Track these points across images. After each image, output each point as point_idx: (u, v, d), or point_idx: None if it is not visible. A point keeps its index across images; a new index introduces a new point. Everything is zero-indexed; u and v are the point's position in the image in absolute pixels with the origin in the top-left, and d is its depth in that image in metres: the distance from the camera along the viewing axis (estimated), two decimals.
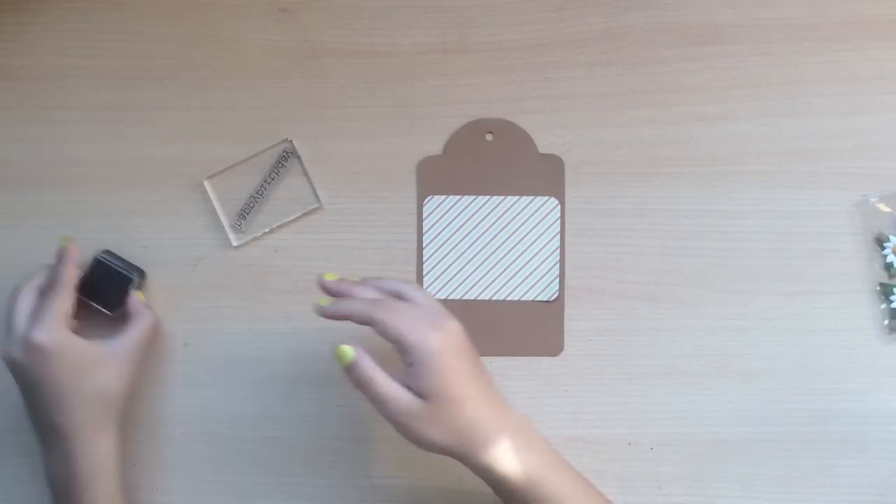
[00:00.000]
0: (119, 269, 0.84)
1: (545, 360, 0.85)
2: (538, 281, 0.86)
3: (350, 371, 0.73)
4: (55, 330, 0.79)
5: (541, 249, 0.86)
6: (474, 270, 0.86)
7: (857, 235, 0.85)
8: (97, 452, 0.79)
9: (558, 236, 0.86)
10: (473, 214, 0.86)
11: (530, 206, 0.86)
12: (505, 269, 0.86)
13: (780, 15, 0.86)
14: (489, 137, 0.87)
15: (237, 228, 0.87)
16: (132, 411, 0.86)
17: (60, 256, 0.83)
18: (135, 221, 0.87)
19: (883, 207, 0.84)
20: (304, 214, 0.87)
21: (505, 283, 0.86)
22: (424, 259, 0.86)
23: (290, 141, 0.87)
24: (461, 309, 0.85)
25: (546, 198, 0.86)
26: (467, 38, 0.87)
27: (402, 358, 0.73)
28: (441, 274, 0.86)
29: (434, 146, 0.87)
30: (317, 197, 0.87)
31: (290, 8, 0.88)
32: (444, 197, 0.87)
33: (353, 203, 0.87)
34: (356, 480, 0.85)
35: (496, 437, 0.74)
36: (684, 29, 0.86)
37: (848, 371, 0.84)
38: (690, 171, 0.86)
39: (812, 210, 0.85)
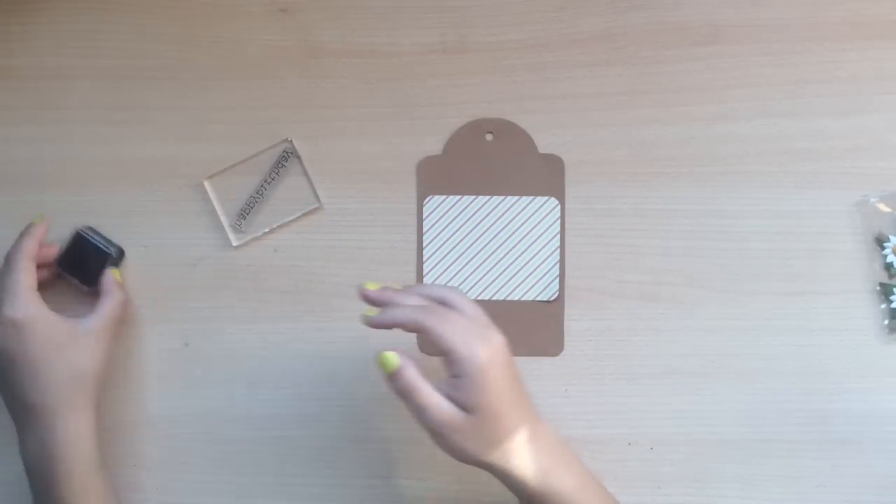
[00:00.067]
0: (98, 245, 0.85)
1: (545, 360, 0.85)
2: (538, 281, 0.86)
3: (393, 379, 0.72)
4: (25, 303, 0.79)
5: (541, 249, 0.86)
6: (474, 270, 0.86)
7: (857, 235, 0.85)
8: (72, 430, 0.79)
9: (558, 236, 0.86)
10: (473, 214, 0.86)
11: (530, 206, 0.86)
12: (505, 269, 0.86)
13: (780, 15, 0.86)
14: (489, 137, 0.87)
15: (237, 228, 0.87)
16: (133, 411, 0.86)
17: (24, 231, 0.83)
18: (135, 221, 0.87)
19: (883, 207, 0.84)
20: (304, 214, 0.87)
21: (505, 283, 0.86)
22: (424, 259, 0.86)
23: (290, 141, 0.87)
24: None
25: (546, 198, 0.86)
26: (467, 38, 0.87)
27: (449, 368, 0.72)
28: (441, 274, 0.86)
29: (434, 146, 0.87)
30: (317, 197, 0.87)
31: (290, 8, 0.88)
32: (444, 197, 0.87)
33: (353, 203, 0.87)
34: (356, 480, 0.85)
35: (534, 454, 0.73)
36: (684, 29, 0.86)
37: (848, 371, 0.84)
38: (690, 171, 0.86)
39: (812, 210, 0.85)
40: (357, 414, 0.86)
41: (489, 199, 0.86)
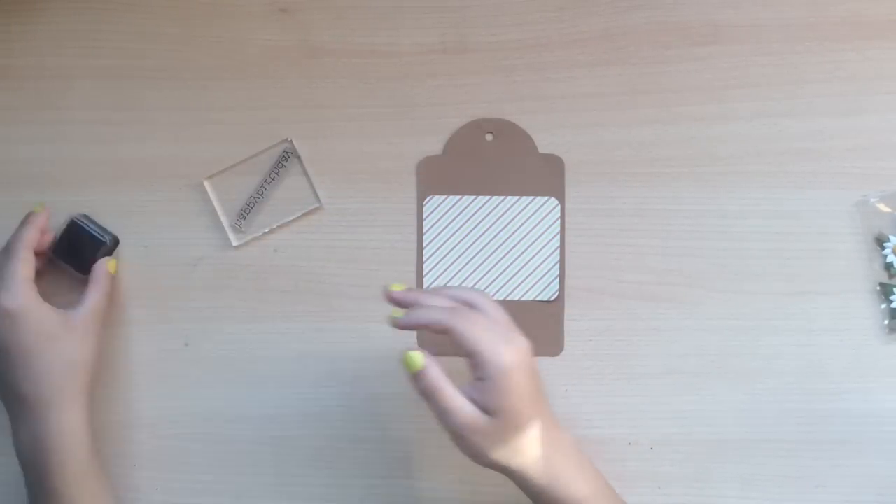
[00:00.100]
0: (93, 232, 0.85)
1: (545, 360, 0.85)
2: (538, 281, 0.86)
3: (417, 378, 0.72)
4: (20, 294, 0.79)
5: (541, 249, 0.86)
6: (474, 270, 0.86)
7: (857, 235, 0.85)
8: (64, 421, 0.79)
9: (558, 236, 0.86)
10: (473, 214, 0.86)
11: (530, 206, 0.86)
12: (505, 269, 0.86)
13: (780, 15, 0.86)
14: (489, 137, 0.87)
15: (237, 228, 0.87)
16: (132, 411, 0.86)
17: (25, 220, 0.83)
18: (135, 221, 0.87)
19: (883, 207, 0.84)
20: (304, 214, 0.87)
21: (505, 283, 0.86)
22: (424, 259, 0.86)
23: (290, 141, 0.87)
24: None
25: (546, 198, 0.86)
26: (467, 38, 0.87)
27: (473, 370, 0.72)
28: (441, 274, 0.86)
29: (434, 146, 0.87)
30: (317, 197, 0.87)
31: (290, 8, 0.88)
32: (444, 197, 0.87)
33: (353, 203, 0.87)
34: (356, 480, 0.85)
35: (552, 459, 0.74)
36: (684, 29, 0.86)
37: (848, 371, 0.84)
38: (690, 171, 0.86)
39: (812, 210, 0.85)
40: (357, 414, 0.86)
41: (489, 199, 0.86)
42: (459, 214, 0.86)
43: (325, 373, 0.86)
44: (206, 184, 0.87)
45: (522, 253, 0.86)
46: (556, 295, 0.86)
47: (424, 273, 0.86)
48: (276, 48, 0.88)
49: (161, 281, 0.87)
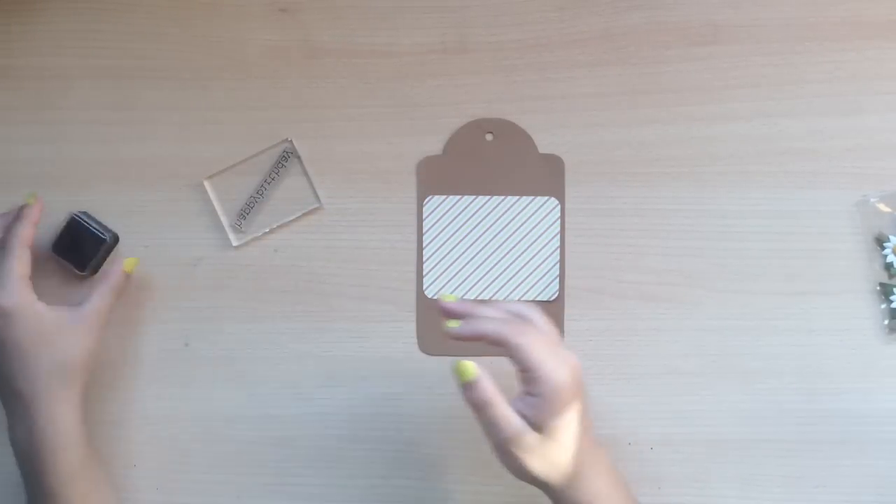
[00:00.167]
0: (93, 229, 0.85)
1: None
2: (538, 281, 0.86)
3: (469, 389, 0.71)
4: (16, 292, 0.79)
5: (541, 249, 0.86)
6: (474, 270, 0.86)
7: (857, 235, 0.85)
8: (58, 420, 0.79)
9: (558, 236, 0.86)
10: (473, 214, 0.86)
11: (530, 206, 0.86)
12: (505, 269, 0.86)
13: (780, 15, 0.86)
14: (489, 137, 0.87)
15: (237, 228, 0.87)
16: (132, 411, 0.86)
17: (20, 214, 0.82)
18: (135, 221, 0.87)
19: (883, 207, 0.84)
20: (304, 214, 0.87)
21: (505, 283, 0.86)
22: (424, 259, 0.86)
23: (290, 141, 0.87)
24: None
25: (546, 198, 0.86)
26: (467, 38, 0.87)
27: (525, 384, 0.72)
28: (441, 274, 0.86)
29: (434, 146, 0.87)
30: (317, 197, 0.87)
31: (290, 8, 0.88)
32: (444, 197, 0.87)
33: (353, 203, 0.87)
34: (356, 480, 0.85)
35: (591, 480, 0.73)
36: (684, 29, 0.86)
37: (848, 371, 0.84)
38: (690, 171, 0.86)
39: (812, 210, 0.85)
40: (357, 414, 0.86)
41: (489, 199, 0.86)
42: (459, 214, 0.86)
43: (325, 373, 0.86)
44: (206, 184, 0.87)
45: (522, 253, 0.86)
46: (556, 295, 0.86)
47: (424, 273, 0.86)
48: (276, 48, 0.88)
49: (161, 281, 0.87)
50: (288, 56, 0.87)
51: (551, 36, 0.87)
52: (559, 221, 0.86)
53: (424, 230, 0.86)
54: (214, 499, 0.86)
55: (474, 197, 0.87)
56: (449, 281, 0.86)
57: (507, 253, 0.86)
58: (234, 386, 0.86)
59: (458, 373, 0.71)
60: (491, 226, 0.86)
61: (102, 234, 0.85)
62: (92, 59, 0.88)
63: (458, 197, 0.87)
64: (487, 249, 0.86)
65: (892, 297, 0.84)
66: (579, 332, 0.85)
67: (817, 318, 0.84)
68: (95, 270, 0.86)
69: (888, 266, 0.84)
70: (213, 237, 0.87)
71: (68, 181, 0.87)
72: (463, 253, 0.86)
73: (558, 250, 0.86)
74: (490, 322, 0.73)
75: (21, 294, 0.79)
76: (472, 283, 0.86)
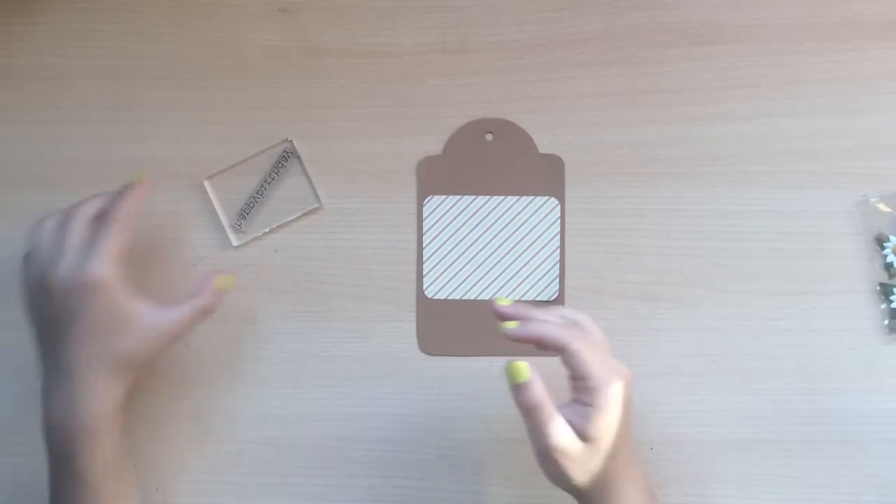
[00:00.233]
0: None
1: (545, 360, 0.85)
2: (538, 281, 0.86)
3: (520, 390, 0.71)
4: (108, 266, 0.76)
5: (541, 249, 0.86)
6: (474, 270, 0.86)
7: (857, 235, 0.85)
8: (101, 406, 0.76)
9: (558, 236, 0.86)
10: (473, 214, 0.86)
11: (530, 206, 0.86)
12: (505, 269, 0.86)
13: (780, 15, 0.86)
14: (489, 137, 0.87)
15: (237, 228, 0.87)
16: (132, 411, 0.86)
17: (126, 190, 0.79)
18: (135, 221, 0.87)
19: (883, 207, 0.84)
20: (304, 214, 0.87)
21: (505, 283, 0.86)
22: (424, 259, 0.86)
23: (290, 141, 0.87)
24: (461, 309, 0.85)
25: (546, 198, 0.86)
26: (467, 38, 0.87)
27: (578, 393, 0.71)
28: (441, 274, 0.86)
29: (434, 146, 0.87)
30: (317, 197, 0.87)
31: (290, 8, 0.88)
32: (444, 197, 0.87)
33: (353, 203, 0.87)
34: (356, 480, 0.85)
35: (628, 492, 0.73)
36: (684, 29, 0.86)
37: (848, 371, 0.84)
38: (690, 171, 0.86)
39: (812, 210, 0.85)
40: (357, 414, 0.86)
41: (489, 199, 0.86)
42: (459, 214, 0.86)
43: (325, 373, 0.86)
44: (206, 184, 0.87)
45: (522, 253, 0.86)
46: (556, 295, 0.86)
47: (424, 273, 0.86)
48: (276, 48, 0.88)
49: (161, 281, 0.86)
50: (288, 56, 0.87)
51: (551, 36, 0.87)
52: (559, 221, 0.86)
53: (424, 230, 0.86)
54: (214, 499, 0.86)
55: (474, 197, 0.87)
56: (449, 281, 0.86)
57: (507, 253, 0.86)
58: (234, 386, 0.86)
59: (511, 374, 0.71)
60: (491, 226, 0.86)
61: None
62: (92, 59, 0.88)
63: (458, 197, 0.87)
64: (487, 249, 0.86)
65: (892, 297, 0.84)
66: None
67: (817, 318, 0.84)
68: None
69: (888, 266, 0.84)
70: (213, 237, 0.87)
71: (68, 181, 0.87)
72: (463, 253, 0.86)
73: (558, 250, 0.86)
74: (547, 325, 0.73)
75: (113, 269, 0.76)
76: (472, 283, 0.86)
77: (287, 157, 0.87)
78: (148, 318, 0.77)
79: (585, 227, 0.86)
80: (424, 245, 0.86)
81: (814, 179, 0.85)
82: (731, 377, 0.84)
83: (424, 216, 0.86)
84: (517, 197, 0.86)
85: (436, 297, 0.86)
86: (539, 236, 0.86)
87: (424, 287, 0.86)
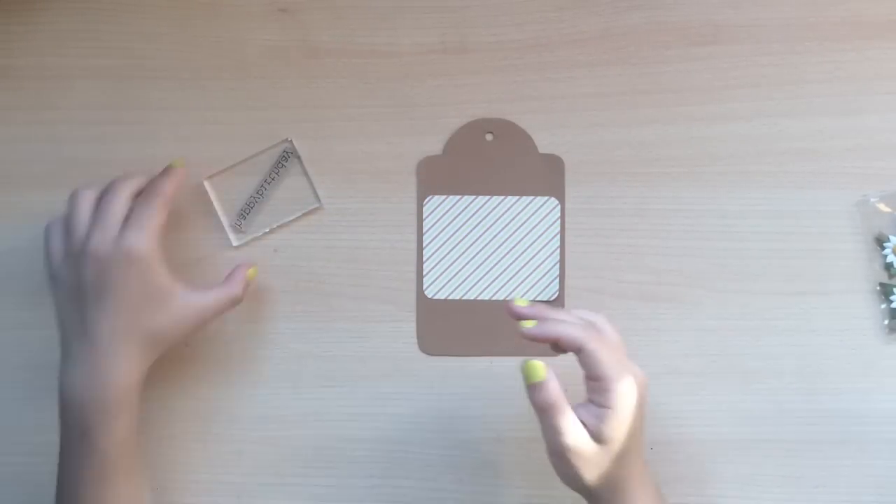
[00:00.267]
0: None
1: (545, 360, 0.85)
2: (538, 281, 0.86)
3: (536, 390, 0.71)
4: (150, 240, 0.77)
5: (541, 249, 0.86)
6: (474, 270, 0.86)
7: (857, 235, 0.85)
8: (125, 378, 0.76)
9: (558, 236, 0.86)
10: (473, 214, 0.86)
11: (530, 206, 0.86)
12: (505, 269, 0.86)
13: (780, 15, 0.86)
14: (489, 137, 0.87)
15: (237, 228, 0.87)
16: None
17: (167, 171, 0.82)
18: None
19: (883, 207, 0.84)
20: (304, 214, 0.87)
21: (505, 283, 0.86)
22: (424, 259, 0.86)
23: (290, 141, 0.87)
24: (461, 309, 0.85)
25: (546, 198, 0.86)
26: (467, 38, 0.87)
27: (594, 395, 0.71)
28: (441, 274, 0.86)
29: (434, 146, 0.87)
30: (317, 197, 0.87)
31: (290, 8, 0.88)
32: (444, 197, 0.87)
33: (353, 203, 0.87)
34: (356, 480, 0.85)
35: (637, 495, 0.73)
36: (684, 29, 0.86)
37: (848, 371, 0.84)
38: (690, 171, 0.86)
39: (812, 210, 0.85)
40: (357, 414, 0.86)
41: (489, 199, 0.86)
42: (459, 214, 0.86)
43: (325, 373, 0.86)
44: (206, 184, 0.87)
45: (522, 253, 0.86)
46: (556, 295, 0.86)
47: (424, 273, 0.86)
48: (276, 48, 0.88)
49: None
50: (288, 56, 0.87)
51: (551, 36, 0.87)
52: (559, 221, 0.86)
53: (424, 230, 0.86)
54: (214, 499, 0.86)
55: (474, 197, 0.87)
56: (449, 281, 0.86)
57: (507, 253, 0.86)
58: (234, 386, 0.86)
59: (527, 373, 0.71)
60: (491, 226, 0.86)
61: None
62: (92, 59, 0.88)
63: (458, 197, 0.87)
64: (487, 249, 0.86)
65: (892, 297, 0.84)
66: None
67: (817, 318, 0.84)
68: None
69: (888, 266, 0.84)
70: (213, 237, 0.87)
71: (68, 181, 0.87)
72: (463, 253, 0.86)
73: (558, 250, 0.86)
74: (565, 325, 0.72)
75: (153, 243, 0.77)
76: (472, 283, 0.86)
77: (287, 157, 0.87)
78: (182, 297, 0.79)
79: (585, 227, 0.86)
80: (424, 245, 0.86)
81: (814, 179, 0.85)
82: (731, 377, 0.84)
83: (424, 216, 0.86)
84: (517, 197, 0.86)
85: (436, 297, 0.86)
86: (539, 236, 0.86)
87: (424, 287, 0.86)
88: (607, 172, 0.86)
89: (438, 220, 0.86)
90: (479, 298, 0.86)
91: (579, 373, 0.73)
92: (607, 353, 0.71)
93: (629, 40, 0.86)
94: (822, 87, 0.85)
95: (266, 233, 0.87)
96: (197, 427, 0.86)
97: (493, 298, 0.86)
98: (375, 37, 0.87)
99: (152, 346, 0.78)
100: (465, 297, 0.86)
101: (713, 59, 0.86)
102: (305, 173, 0.87)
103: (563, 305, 0.85)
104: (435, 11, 0.87)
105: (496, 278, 0.86)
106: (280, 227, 0.87)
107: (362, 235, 0.87)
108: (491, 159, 0.86)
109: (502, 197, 0.86)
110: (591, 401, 0.72)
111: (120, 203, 0.79)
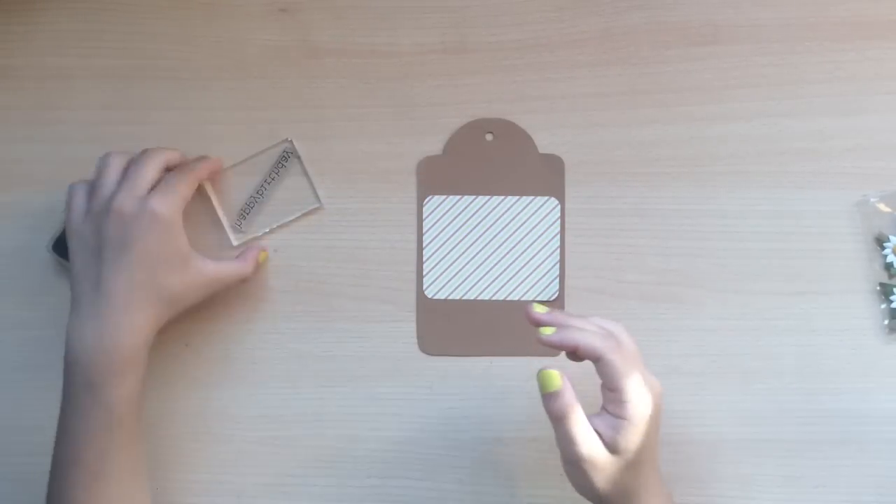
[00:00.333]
0: None
1: (545, 361, 0.85)
2: (538, 281, 0.86)
3: (551, 399, 0.70)
4: (174, 207, 0.79)
5: (541, 249, 0.86)
6: (474, 270, 0.86)
7: (857, 235, 0.85)
8: (136, 335, 0.77)
9: (558, 236, 0.86)
10: (473, 214, 0.86)
11: (530, 206, 0.86)
12: (505, 269, 0.86)
13: (780, 15, 0.86)
14: (489, 137, 0.87)
15: (237, 228, 0.87)
16: None
17: (203, 157, 0.85)
18: None
19: (883, 207, 0.84)
20: (304, 214, 0.87)
21: (505, 283, 0.86)
22: (424, 259, 0.86)
23: (290, 141, 0.87)
24: (461, 309, 0.85)
25: (546, 198, 0.86)
26: (467, 38, 0.87)
27: (610, 405, 0.71)
28: (441, 274, 0.86)
29: (434, 146, 0.87)
30: (317, 197, 0.87)
31: (290, 8, 0.88)
32: (444, 197, 0.87)
33: (353, 203, 0.87)
34: (356, 480, 0.85)
35: (651, 502, 0.73)
36: (684, 29, 0.86)
37: (848, 371, 0.84)
38: (690, 171, 0.86)
39: (812, 210, 0.85)
40: (357, 414, 0.85)
41: (489, 199, 0.86)
42: (459, 214, 0.86)
43: (325, 373, 0.86)
44: (206, 184, 0.87)
45: (522, 253, 0.86)
46: (556, 295, 0.86)
47: (424, 273, 0.86)
48: (276, 48, 0.88)
49: None
50: (288, 56, 0.87)
51: (551, 36, 0.87)
52: (559, 221, 0.86)
53: (424, 230, 0.86)
54: (214, 499, 0.86)
55: (474, 197, 0.87)
56: (449, 281, 0.86)
57: (507, 253, 0.86)
58: (234, 386, 0.86)
59: (543, 382, 0.71)
60: (491, 226, 0.86)
61: None
62: (92, 59, 0.88)
63: (458, 197, 0.87)
64: (487, 249, 0.86)
65: (892, 297, 0.84)
66: None
67: (817, 318, 0.84)
68: None
69: (888, 266, 0.84)
70: (213, 237, 0.87)
71: (68, 181, 0.87)
72: (463, 253, 0.86)
73: (558, 250, 0.86)
74: (584, 333, 0.72)
75: (176, 210, 0.79)
76: (472, 283, 0.86)
77: (287, 157, 0.87)
78: (198, 262, 0.81)
79: (585, 227, 0.86)
80: (424, 245, 0.86)
81: (814, 179, 0.85)
82: (731, 377, 0.84)
83: (424, 216, 0.86)
84: (517, 197, 0.86)
85: (436, 297, 0.86)
86: (539, 236, 0.86)
87: (424, 287, 0.86)
88: (607, 172, 0.86)
89: (438, 220, 0.86)
90: (479, 298, 0.86)
91: (592, 378, 0.72)
92: (625, 365, 0.71)
93: (629, 40, 0.86)
94: (822, 87, 0.85)
95: (266, 233, 0.87)
96: (197, 427, 0.86)
97: (493, 298, 0.86)
98: (375, 37, 0.87)
99: (165, 306, 0.79)
100: (465, 297, 0.86)
101: (713, 59, 0.86)
102: (305, 173, 0.87)
103: (563, 306, 0.85)
104: (435, 11, 0.87)
105: (496, 278, 0.86)
106: (280, 227, 0.87)
107: (362, 235, 0.87)
108: (491, 159, 0.86)
109: (502, 197, 0.86)
110: (606, 410, 0.72)
111: (150, 170, 0.80)
